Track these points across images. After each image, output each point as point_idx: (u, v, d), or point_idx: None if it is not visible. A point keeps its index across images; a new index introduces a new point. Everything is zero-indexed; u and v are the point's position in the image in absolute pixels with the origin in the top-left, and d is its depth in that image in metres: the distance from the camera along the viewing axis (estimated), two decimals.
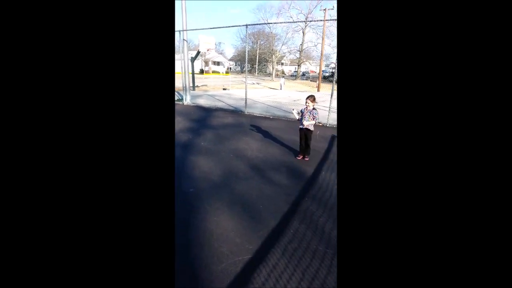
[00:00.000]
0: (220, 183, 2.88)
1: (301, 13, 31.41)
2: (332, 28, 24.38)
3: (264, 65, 41.78)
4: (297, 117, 3.72)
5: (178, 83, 16.32)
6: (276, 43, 35.30)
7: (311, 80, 29.97)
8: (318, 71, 18.88)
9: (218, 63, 46.07)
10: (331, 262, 1.74)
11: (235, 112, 7.76)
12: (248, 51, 7.85)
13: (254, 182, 2.93)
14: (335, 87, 5.34)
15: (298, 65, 35.29)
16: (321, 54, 18.62)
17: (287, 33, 44.14)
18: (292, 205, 2.46)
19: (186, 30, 8.65)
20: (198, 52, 12.78)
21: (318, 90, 17.40)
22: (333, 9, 17.23)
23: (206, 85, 18.12)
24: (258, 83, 22.99)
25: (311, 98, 3.61)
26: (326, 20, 12.78)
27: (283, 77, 19.23)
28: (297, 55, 34.42)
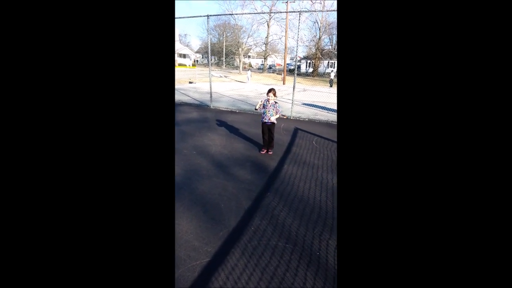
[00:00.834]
0: (181, 183, 2.74)
1: (265, 5, 31.19)
2: (295, 21, 24.61)
3: (232, 58, 41.07)
4: (257, 107, 3.67)
5: None
6: (242, 36, 34.79)
7: (277, 73, 30.19)
8: (283, 64, 19.01)
9: (184, 56, 44.24)
10: (290, 257, 1.73)
11: (201, 106, 7.50)
12: (214, 43, 7.55)
13: (217, 180, 2.84)
14: (297, 79, 5.37)
15: (265, 58, 35.24)
16: (285, 47, 18.73)
17: (252, 25, 43.75)
18: (254, 201, 2.42)
19: None
20: None
21: (283, 83, 17.58)
22: (294, 2, 17.34)
23: None
24: (225, 76, 22.54)
25: (273, 91, 3.61)
26: (289, 12, 12.78)
27: (250, 69, 19.05)
28: (263, 47, 34.33)
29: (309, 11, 6.34)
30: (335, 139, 4.53)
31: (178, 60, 41.66)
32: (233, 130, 4.99)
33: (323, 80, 22.64)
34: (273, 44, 35.46)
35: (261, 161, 3.45)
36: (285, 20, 19.87)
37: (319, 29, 27.79)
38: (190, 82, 15.14)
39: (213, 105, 7.36)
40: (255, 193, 2.57)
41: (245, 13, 20.38)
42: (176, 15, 7.47)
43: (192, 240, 1.86)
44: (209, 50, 7.40)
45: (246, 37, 34.30)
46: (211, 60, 6.67)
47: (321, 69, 31.15)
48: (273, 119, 3.59)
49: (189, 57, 45.57)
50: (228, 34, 36.56)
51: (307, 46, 30.77)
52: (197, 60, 49.83)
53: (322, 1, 25.88)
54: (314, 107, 8.25)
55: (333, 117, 6.57)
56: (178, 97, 9.04)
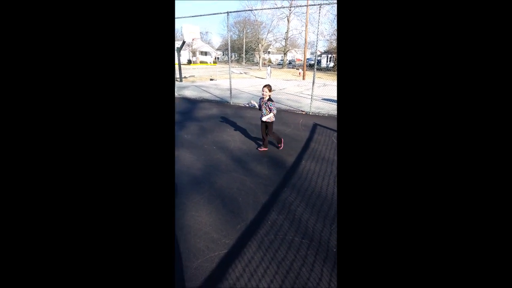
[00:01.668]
0: (201, 177, 2.80)
1: None
2: (315, 15, 23.92)
3: (252, 54, 40.95)
4: (257, 105, 3.59)
5: None
6: (262, 31, 34.50)
7: (297, 69, 29.67)
8: (303, 59, 18.62)
9: (205, 53, 44.84)
10: (306, 253, 1.72)
11: (221, 103, 7.58)
12: (234, 40, 7.57)
13: (236, 175, 2.87)
14: (317, 75, 5.23)
15: (284, 54, 34.73)
16: (305, 41, 18.30)
17: (272, 21, 43.16)
18: (271, 196, 2.42)
19: None
20: (184, 42, 12.31)
21: (303, 79, 17.25)
22: None
23: (193, 75, 17.64)
24: (245, 73, 22.56)
25: (268, 87, 3.41)
26: (309, 5, 12.44)
27: (269, 65, 18.89)
28: (283, 43, 33.81)
29: (330, 3, 6.10)
30: None
31: (199, 57, 42.33)
32: (252, 126, 5.00)
33: None
34: (293, 39, 34.84)
35: (278, 156, 3.44)
36: (305, 14, 19.37)
37: None
38: (211, 79, 15.35)
39: (233, 101, 7.42)
40: (272, 188, 2.57)
41: (265, 8, 20.10)
42: (197, 13, 7.57)
43: (211, 232, 1.91)
44: (229, 47, 7.43)
45: (266, 32, 33.97)
46: (231, 57, 6.70)
47: None
48: (265, 119, 3.38)
49: (210, 54, 46.12)
50: (248, 31, 36.44)
51: (327, 40, 29.83)
52: (218, 58, 50.31)
53: None
54: (334, 102, 8.03)
55: None
56: (199, 94, 9.21)
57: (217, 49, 50.69)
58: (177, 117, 5.67)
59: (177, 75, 12.33)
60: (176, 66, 12.20)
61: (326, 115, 6.05)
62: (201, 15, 7.48)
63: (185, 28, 10.75)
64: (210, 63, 42.43)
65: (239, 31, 37.96)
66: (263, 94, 3.42)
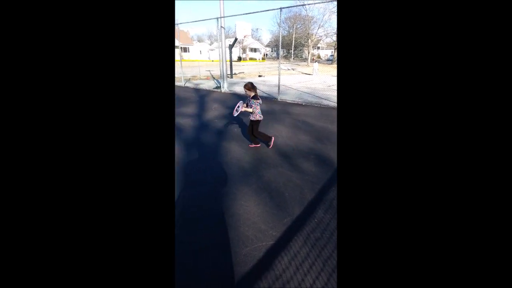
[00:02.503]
0: (249, 170, 2.89)
1: None
2: None
3: (301, 49, 39.96)
4: (242, 108, 3.30)
5: (216, 71, 16.59)
6: (312, 26, 33.32)
7: None
8: None
9: (255, 50, 45.38)
10: None
11: (268, 99, 7.63)
12: (284, 36, 7.51)
13: (282, 170, 2.89)
14: None
15: (335, 49, 33.01)
16: None
17: (324, 15, 41.27)
18: (318, 194, 2.38)
19: (223, 17, 8.56)
20: (236, 39, 12.67)
21: None
22: None
23: (243, 72, 18.07)
24: (293, 69, 22.20)
25: (247, 86, 3.22)
26: None
27: (316, 62, 18.18)
28: (334, 38, 32.15)
29: None
30: None
31: (249, 54, 43.03)
32: (299, 122, 4.94)
33: None
34: None
35: (326, 154, 3.33)
36: None
37: None
38: (260, 76, 15.52)
39: (280, 97, 7.40)
40: (318, 186, 2.52)
41: (317, 2, 19.33)
42: (248, 10, 7.67)
43: (259, 222, 1.97)
44: (280, 43, 7.39)
45: (317, 27, 32.73)
46: (280, 53, 6.67)
47: None
48: (235, 113, 3.21)
49: (259, 51, 46.50)
50: (298, 26, 35.60)
51: None
52: (266, 54, 50.45)
53: None
54: None
55: None
56: None
57: (266, 46, 50.82)
58: (228, 111, 5.92)
59: (228, 71, 12.79)
60: (228, 63, 12.63)
61: None
62: (254, 12, 7.58)
63: (239, 25, 11.03)
64: (259, 59, 42.82)
65: (289, 27, 37.36)
66: (246, 93, 3.30)
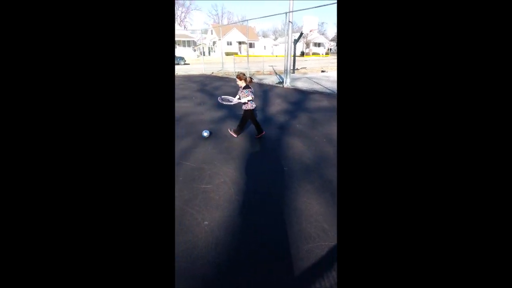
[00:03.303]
0: (311, 166, 2.83)
1: None
2: None
3: None
4: (233, 101, 3.49)
5: (279, 66, 16.59)
6: None
7: None
8: None
9: (318, 45, 43.57)
10: None
11: (331, 95, 7.26)
12: None
13: None
14: None
15: None
16: None
17: None
18: None
19: (292, 12, 8.43)
20: (301, 34, 12.38)
21: None
22: None
23: (305, 67, 17.63)
24: None
25: (239, 76, 3.31)
26: None
27: None
28: None
29: None
30: None
31: (312, 49, 41.59)
32: None
33: None
34: None
35: None
36: None
37: None
38: (323, 71, 14.87)
39: None
40: None
41: None
42: (315, 4, 7.26)
43: (321, 221, 1.92)
44: None
45: None
46: None
47: None
48: (235, 101, 3.40)
49: (323, 45, 44.45)
50: None
51: None
52: (330, 49, 47.87)
53: None
54: None
55: None
56: (310, 85, 9.15)
57: (331, 40, 48.19)
58: (290, 107, 5.88)
59: (291, 66, 12.65)
60: (292, 58, 12.49)
61: None
62: (322, 6, 7.23)
63: (306, 19, 10.72)
64: (323, 54, 40.98)
65: None
66: (237, 83, 3.38)
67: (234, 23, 27.61)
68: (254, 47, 39.45)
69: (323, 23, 48.42)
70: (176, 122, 4.63)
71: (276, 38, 47.50)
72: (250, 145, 3.50)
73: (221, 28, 35.39)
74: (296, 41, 12.47)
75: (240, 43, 38.77)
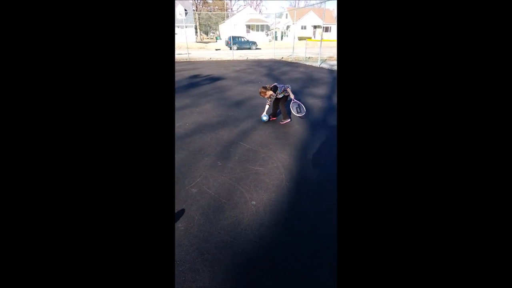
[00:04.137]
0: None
1: None
2: None
3: None
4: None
5: None
6: None
7: None
8: None
9: None
10: None
11: None
12: None
13: None
14: None
15: None
16: None
17: None
18: None
19: None
20: None
21: None
22: None
23: None
24: None
25: (262, 89, 3.42)
26: None
27: None
28: None
29: None
30: None
31: None
32: None
33: None
34: None
35: None
36: None
37: None
38: None
39: None
40: None
41: None
42: None
43: None
44: None
45: None
46: None
47: None
48: (292, 97, 3.59)
49: None
50: None
51: None
52: None
53: None
54: None
55: None
56: None
57: None
58: None
59: None
60: None
61: None
62: None
63: None
64: None
65: None
66: (267, 97, 3.48)
67: (312, 5, 26.16)
68: (330, 31, 36.82)
69: None
70: (238, 105, 4.81)
71: None
72: (308, 134, 3.35)
73: (295, 12, 34.18)
74: None
75: (315, 27, 36.78)
